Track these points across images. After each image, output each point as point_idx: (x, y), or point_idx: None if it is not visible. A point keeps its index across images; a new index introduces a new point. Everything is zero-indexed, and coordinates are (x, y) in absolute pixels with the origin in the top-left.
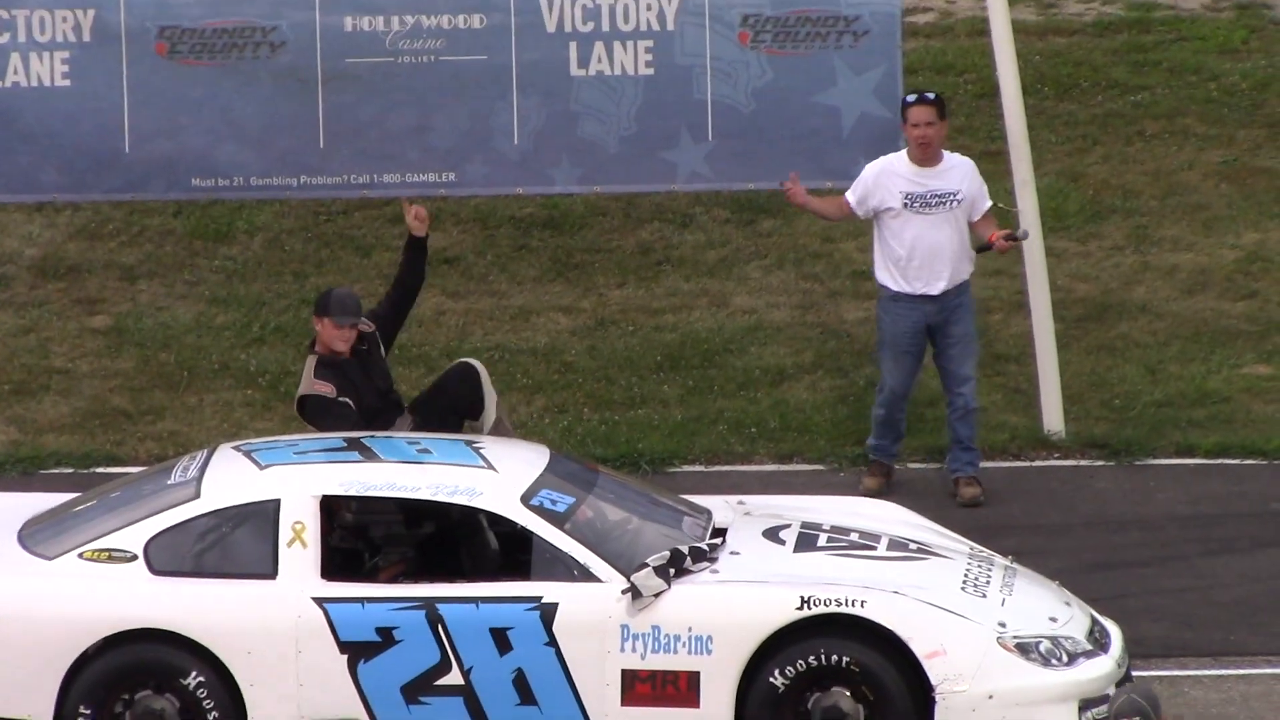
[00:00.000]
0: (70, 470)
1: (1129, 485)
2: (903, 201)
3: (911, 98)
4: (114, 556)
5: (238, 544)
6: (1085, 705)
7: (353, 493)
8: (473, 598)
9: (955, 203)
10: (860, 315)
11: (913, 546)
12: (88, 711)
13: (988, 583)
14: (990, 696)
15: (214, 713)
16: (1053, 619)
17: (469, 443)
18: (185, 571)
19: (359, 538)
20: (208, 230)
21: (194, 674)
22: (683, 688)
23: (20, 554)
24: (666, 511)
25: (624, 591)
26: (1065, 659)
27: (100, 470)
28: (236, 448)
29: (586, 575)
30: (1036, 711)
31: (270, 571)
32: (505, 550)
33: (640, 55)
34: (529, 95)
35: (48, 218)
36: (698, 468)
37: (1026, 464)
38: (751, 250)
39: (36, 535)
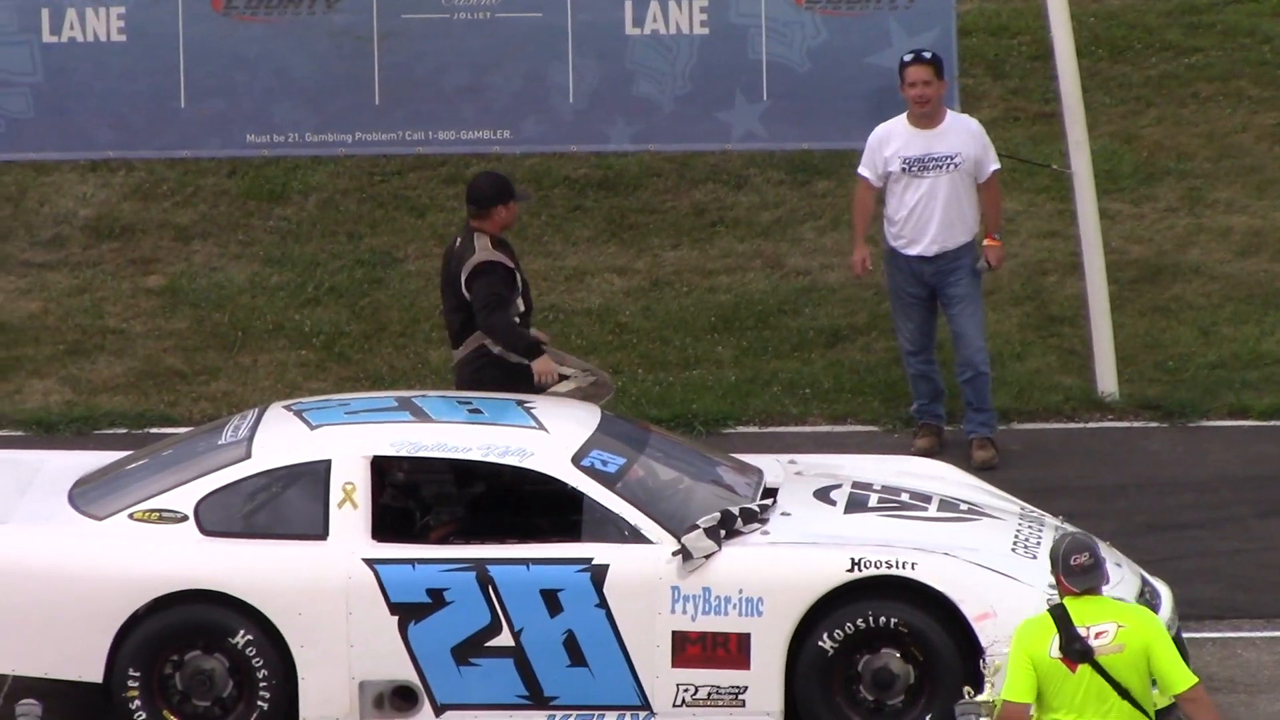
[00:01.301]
0: (124, 430)
1: (1182, 447)
2: (901, 165)
3: (908, 57)
4: (164, 517)
5: (288, 504)
6: None
7: (403, 453)
8: (523, 559)
9: (953, 165)
10: None
11: (963, 507)
12: (137, 673)
13: (1038, 544)
14: None
15: (263, 672)
16: None
17: (520, 403)
18: (236, 532)
19: (409, 498)
20: (262, 190)
21: (243, 634)
22: (733, 649)
23: (70, 514)
24: (718, 471)
25: (674, 553)
26: None
27: (154, 430)
28: (288, 407)
29: (637, 536)
30: None
31: (321, 532)
32: (556, 511)
33: (695, 14)
34: (584, 54)
35: (102, 178)
36: (752, 429)
37: (1080, 425)
38: (806, 211)
39: (87, 495)
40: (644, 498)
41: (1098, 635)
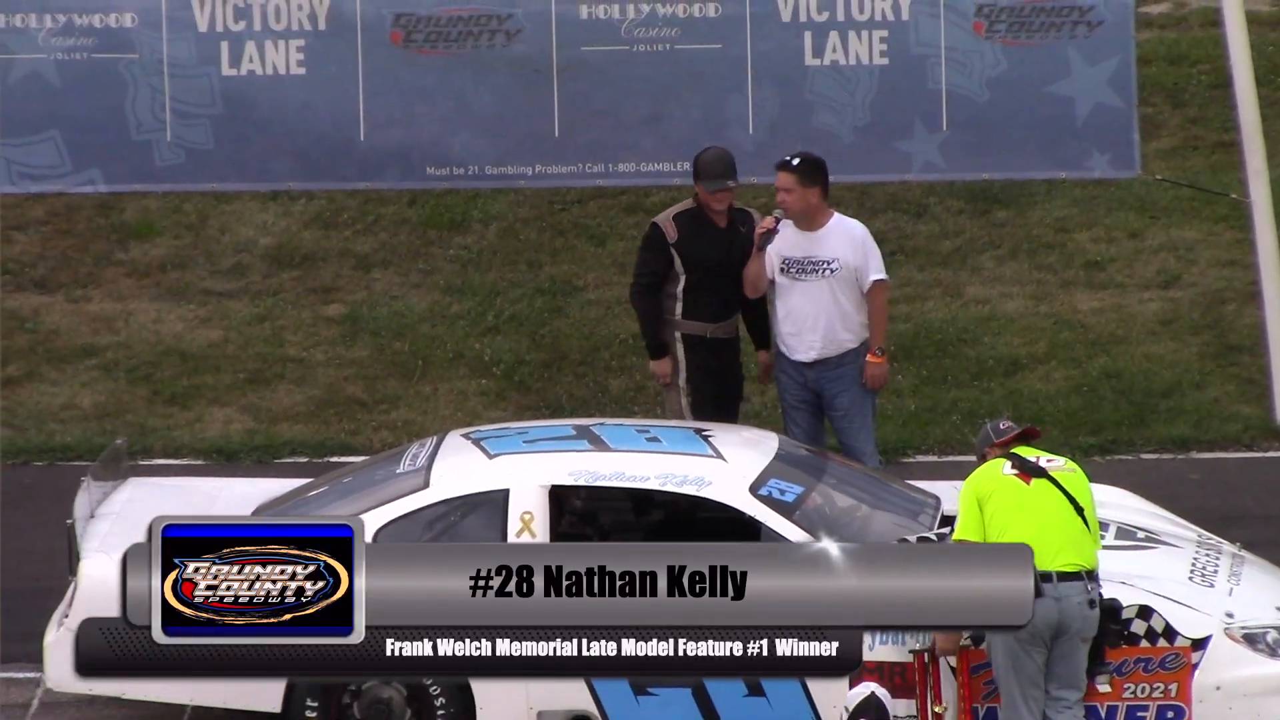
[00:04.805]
0: (305, 459)
1: None
2: (780, 265)
3: (778, 160)
4: None
5: (466, 534)
6: None
7: (581, 482)
8: None
9: (829, 270)
10: (1094, 305)
11: (1140, 535)
12: (315, 703)
13: (1215, 571)
14: (1217, 688)
15: (440, 701)
16: None
17: (698, 431)
18: None
19: (588, 527)
20: (442, 219)
21: None
22: (910, 678)
23: None
24: (895, 499)
25: None
26: None
27: (335, 459)
28: (466, 435)
29: None
30: (1264, 703)
31: None
32: (734, 540)
33: (875, 45)
34: (763, 85)
35: (282, 206)
36: (931, 457)
37: (1259, 455)
38: (985, 240)
39: None
40: (822, 526)
41: (1049, 461)
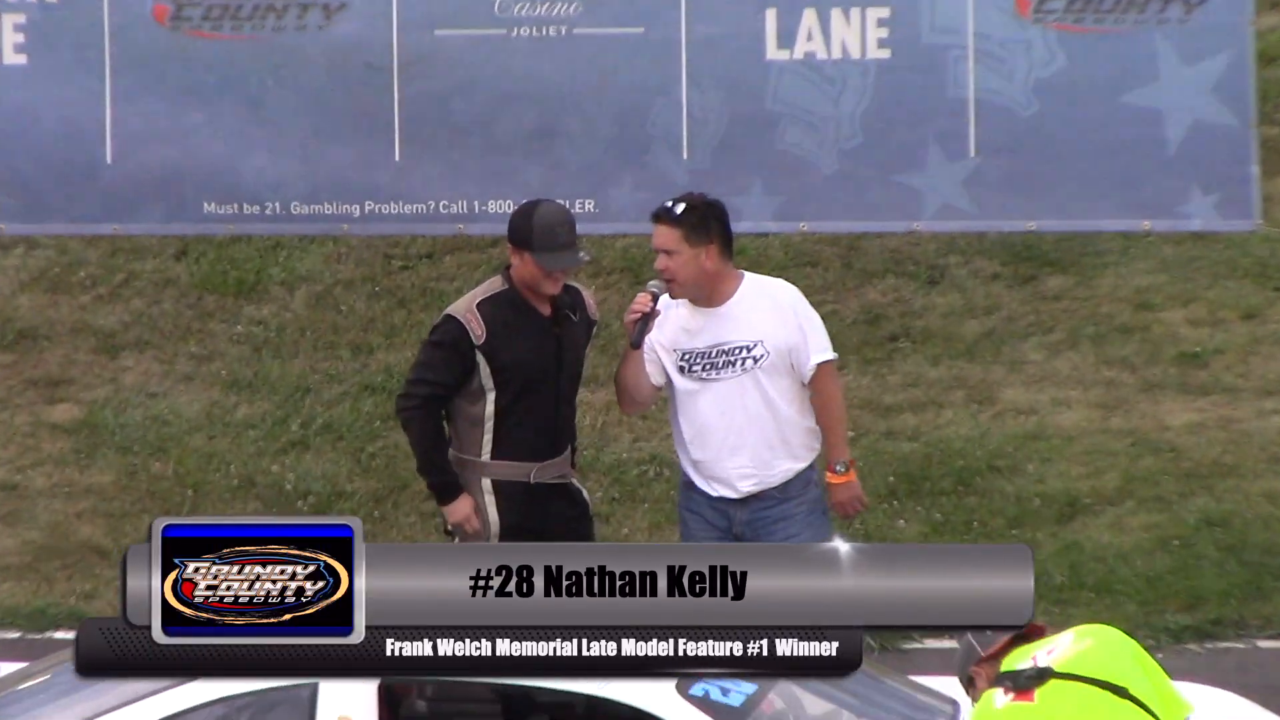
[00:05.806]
0: (17, 634)
1: None
2: (677, 363)
3: (655, 209)
4: None
5: None
6: None
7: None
8: None
9: (750, 360)
10: (1191, 419)
11: None
12: None
13: None
14: None
15: None
16: None
17: None
18: None
19: None
20: (226, 281)
21: None
22: None
23: None
24: (896, 703)
25: None
26: None
27: (62, 635)
28: None
29: None
30: None
31: None
32: None
33: (871, 31)
34: (705, 88)
35: None
36: (949, 641)
37: None
38: (1031, 321)
39: None
40: None
41: (1049, 653)
